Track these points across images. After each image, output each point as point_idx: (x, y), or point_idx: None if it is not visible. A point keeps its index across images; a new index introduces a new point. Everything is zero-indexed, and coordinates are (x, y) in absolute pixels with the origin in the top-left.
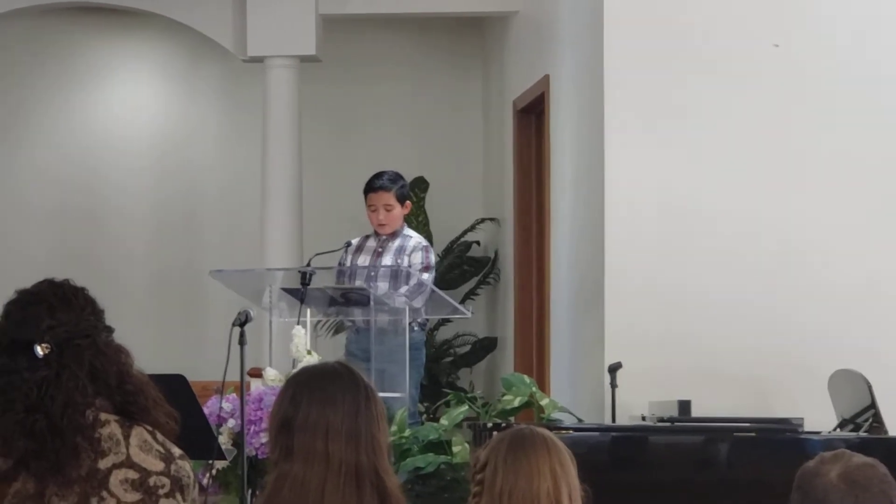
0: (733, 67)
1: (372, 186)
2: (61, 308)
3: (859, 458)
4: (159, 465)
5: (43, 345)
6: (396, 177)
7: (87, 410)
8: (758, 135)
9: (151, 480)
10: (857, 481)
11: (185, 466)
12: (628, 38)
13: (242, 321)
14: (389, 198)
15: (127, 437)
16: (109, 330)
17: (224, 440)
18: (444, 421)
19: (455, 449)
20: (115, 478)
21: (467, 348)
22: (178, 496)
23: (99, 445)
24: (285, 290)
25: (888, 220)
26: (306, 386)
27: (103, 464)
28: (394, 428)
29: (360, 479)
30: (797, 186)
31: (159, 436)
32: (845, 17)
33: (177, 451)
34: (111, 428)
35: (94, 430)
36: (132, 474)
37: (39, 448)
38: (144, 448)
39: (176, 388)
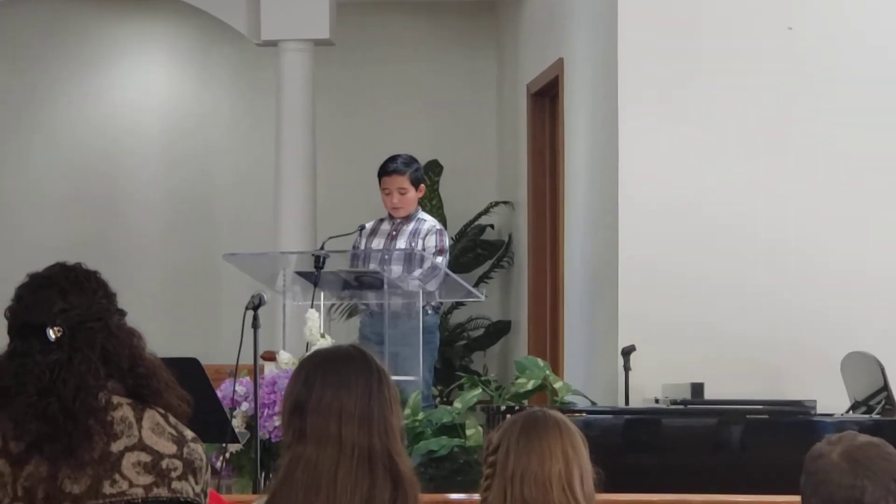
0: (750, 56)
1: (386, 170)
2: (73, 291)
3: (864, 438)
4: (172, 448)
5: (55, 328)
6: (410, 160)
7: (99, 393)
8: (776, 124)
9: (164, 463)
10: (858, 460)
11: (198, 449)
12: (642, 22)
13: (256, 304)
14: (403, 181)
15: (139, 419)
16: (122, 313)
17: (237, 423)
18: (457, 404)
19: (468, 432)
20: (128, 460)
21: (481, 332)
22: (191, 479)
23: (111, 428)
24: (299, 273)
25: None
26: (319, 368)
27: (116, 447)
28: (407, 411)
29: (372, 461)
30: (806, 179)
31: (172, 419)
32: (854, 14)
33: (189, 433)
34: (124, 411)
35: (106, 412)
36: (144, 457)
37: (52, 431)
38: (157, 431)
39: (189, 371)
